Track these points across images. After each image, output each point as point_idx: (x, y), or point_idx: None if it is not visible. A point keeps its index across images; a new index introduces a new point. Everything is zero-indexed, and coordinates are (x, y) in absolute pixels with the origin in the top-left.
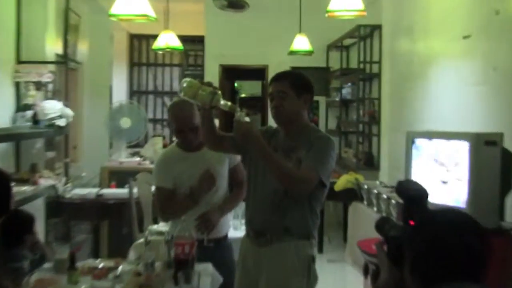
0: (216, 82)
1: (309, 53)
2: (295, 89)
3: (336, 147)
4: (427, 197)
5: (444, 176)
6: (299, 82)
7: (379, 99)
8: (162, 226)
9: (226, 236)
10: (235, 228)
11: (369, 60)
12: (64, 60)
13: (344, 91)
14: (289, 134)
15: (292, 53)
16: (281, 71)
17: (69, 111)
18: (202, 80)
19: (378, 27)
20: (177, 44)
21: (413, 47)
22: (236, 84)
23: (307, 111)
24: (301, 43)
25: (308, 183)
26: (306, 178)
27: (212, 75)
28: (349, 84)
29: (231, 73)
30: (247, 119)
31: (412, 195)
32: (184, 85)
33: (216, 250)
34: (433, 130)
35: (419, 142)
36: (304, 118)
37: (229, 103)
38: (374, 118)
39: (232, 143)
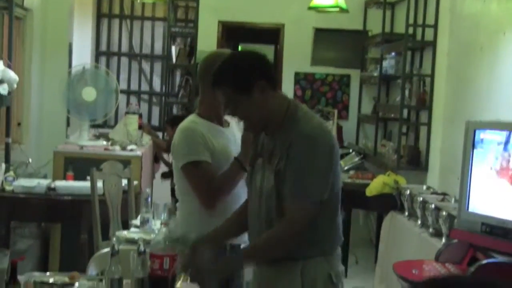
0: (214, 45)
1: (339, 9)
2: (239, 89)
3: (365, 138)
4: None
5: None
6: (238, 76)
7: (432, 76)
8: (134, 232)
9: None
10: None
11: (422, 23)
12: (6, 5)
13: (385, 64)
14: (268, 132)
15: (312, 9)
16: (216, 69)
17: (12, 75)
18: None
19: None
20: None
21: (483, 6)
22: (240, 48)
23: (276, 93)
24: None
25: (302, 225)
26: (297, 223)
27: (208, 35)
28: (393, 54)
29: (234, 33)
30: None
31: None
32: None
33: None
34: (503, 120)
35: (484, 135)
36: (276, 106)
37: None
38: (424, 102)
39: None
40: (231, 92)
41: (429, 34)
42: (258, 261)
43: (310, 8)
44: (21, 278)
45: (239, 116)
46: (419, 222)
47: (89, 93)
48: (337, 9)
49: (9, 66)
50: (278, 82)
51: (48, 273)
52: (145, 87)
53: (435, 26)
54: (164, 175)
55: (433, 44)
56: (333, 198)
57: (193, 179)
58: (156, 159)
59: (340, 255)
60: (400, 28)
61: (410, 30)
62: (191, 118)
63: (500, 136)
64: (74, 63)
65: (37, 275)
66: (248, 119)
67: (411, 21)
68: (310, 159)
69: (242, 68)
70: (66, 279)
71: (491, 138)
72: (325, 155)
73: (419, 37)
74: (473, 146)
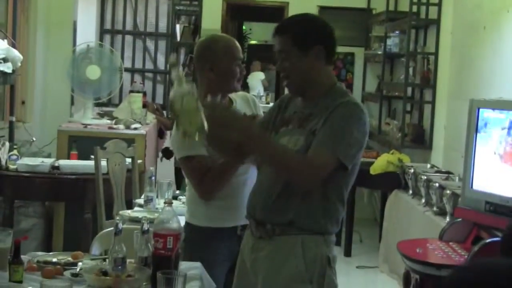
0: (218, 23)
1: None
2: (298, 44)
3: (369, 117)
4: None
5: None
6: (304, 32)
7: (436, 54)
8: (137, 211)
9: None
10: None
11: (426, 1)
12: None
13: (389, 42)
14: (306, 100)
15: None
16: (285, 19)
17: (16, 53)
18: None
19: None
20: None
21: None
22: (244, 27)
23: (329, 66)
24: None
25: (317, 171)
26: (315, 165)
27: (213, 13)
28: (397, 32)
29: (238, 11)
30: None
31: None
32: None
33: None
34: (506, 99)
35: (487, 114)
36: (324, 77)
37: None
38: (428, 80)
39: None
40: (290, 44)
41: (433, 12)
42: (269, 158)
43: None
44: (24, 257)
45: (286, 70)
46: (423, 200)
47: (93, 72)
48: None
49: (13, 45)
50: (334, 59)
51: (51, 253)
52: (149, 65)
53: (439, 4)
54: (165, 154)
55: (437, 22)
56: (351, 175)
57: (187, 174)
58: (161, 134)
59: (335, 242)
60: (404, 6)
61: (414, 8)
62: None
63: (503, 115)
64: (78, 41)
65: (41, 254)
66: (292, 77)
67: None
68: (348, 122)
69: (310, 27)
70: (70, 258)
71: (495, 120)
72: (361, 129)
73: (423, 15)
74: (477, 125)
